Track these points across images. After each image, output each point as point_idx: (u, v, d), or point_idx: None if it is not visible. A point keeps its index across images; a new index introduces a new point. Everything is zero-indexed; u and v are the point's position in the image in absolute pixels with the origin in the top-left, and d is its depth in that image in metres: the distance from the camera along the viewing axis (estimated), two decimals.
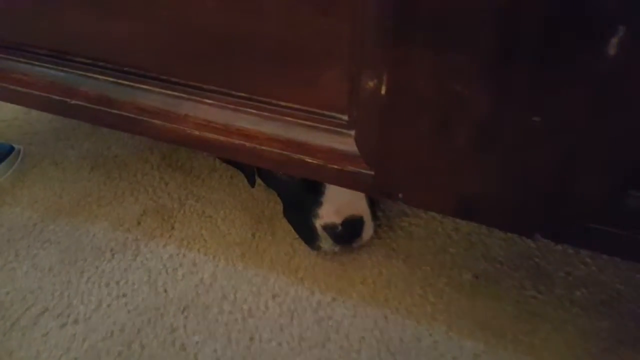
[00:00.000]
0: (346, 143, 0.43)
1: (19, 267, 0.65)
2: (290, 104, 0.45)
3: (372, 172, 0.43)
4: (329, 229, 0.62)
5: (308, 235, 0.64)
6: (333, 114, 0.44)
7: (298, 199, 0.65)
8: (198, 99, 0.48)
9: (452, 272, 0.64)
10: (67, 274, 0.65)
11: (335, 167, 0.44)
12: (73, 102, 0.53)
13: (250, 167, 0.70)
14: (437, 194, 0.41)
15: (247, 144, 0.46)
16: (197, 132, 0.48)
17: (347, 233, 0.62)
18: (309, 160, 0.45)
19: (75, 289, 0.63)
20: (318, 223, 0.62)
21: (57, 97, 0.54)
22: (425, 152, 0.39)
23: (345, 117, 0.43)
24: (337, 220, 0.61)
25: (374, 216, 0.65)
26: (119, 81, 0.50)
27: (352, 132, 0.43)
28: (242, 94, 0.46)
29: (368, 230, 0.64)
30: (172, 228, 0.70)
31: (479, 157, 0.38)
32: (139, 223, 0.71)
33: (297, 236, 0.68)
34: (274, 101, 0.45)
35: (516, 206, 0.39)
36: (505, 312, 0.59)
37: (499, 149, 0.37)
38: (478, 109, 0.35)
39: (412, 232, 0.69)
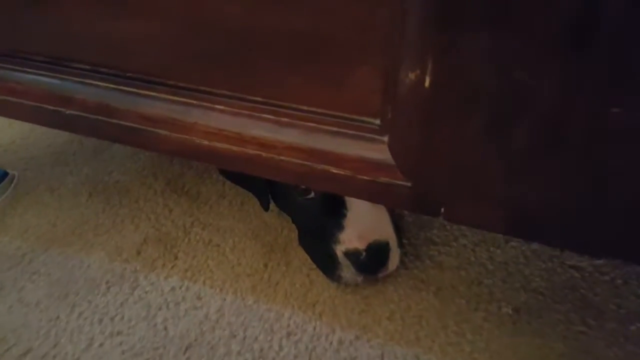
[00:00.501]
0: (378, 151, 0.38)
1: (2, 301, 0.58)
2: (313, 109, 0.39)
3: (409, 184, 0.37)
4: (352, 256, 0.55)
5: (327, 265, 0.58)
6: (363, 118, 0.38)
7: (316, 223, 0.58)
8: (208, 105, 0.42)
9: (489, 306, 0.56)
10: (56, 309, 0.58)
11: (366, 178, 0.38)
12: (69, 112, 0.48)
13: (263, 187, 0.64)
14: (486, 207, 0.35)
15: (264, 154, 0.40)
16: (206, 142, 0.42)
17: (372, 261, 0.55)
18: (334, 171, 0.39)
19: (64, 326, 0.56)
20: (339, 249, 0.56)
21: (52, 107, 0.49)
22: (476, 156, 0.33)
23: (377, 122, 0.38)
24: (360, 245, 0.55)
25: (400, 243, 0.59)
26: (121, 88, 0.45)
27: (385, 138, 0.37)
28: (258, 99, 0.41)
29: (394, 259, 0.57)
30: (176, 258, 0.64)
31: (543, 159, 0.32)
32: (138, 253, 0.65)
33: (314, 266, 0.61)
34: (294, 105, 0.40)
35: (588, 220, 0.32)
36: (552, 350, 0.52)
37: (569, 150, 0.31)
38: (544, 100, 0.30)
39: (442, 261, 0.62)
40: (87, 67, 0.47)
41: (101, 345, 0.54)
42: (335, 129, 0.39)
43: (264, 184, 0.63)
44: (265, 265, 0.62)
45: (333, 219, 0.56)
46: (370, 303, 0.57)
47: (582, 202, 0.32)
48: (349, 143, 0.39)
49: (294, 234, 0.66)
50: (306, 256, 0.62)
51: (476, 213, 0.35)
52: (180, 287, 0.60)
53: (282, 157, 0.40)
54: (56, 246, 0.66)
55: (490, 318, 0.55)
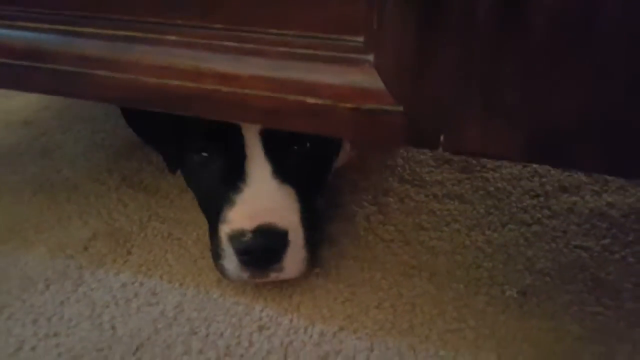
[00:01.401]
0: (362, 72, 0.31)
1: None
2: (283, 31, 0.33)
3: (401, 108, 0.30)
4: (235, 238, 0.45)
5: (215, 254, 0.47)
6: (343, 37, 0.32)
7: (208, 193, 0.50)
8: (156, 36, 0.36)
9: (491, 290, 0.49)
10: None
11: (349, 106, 0.31)
12: None
13: (174, 144, 0.53)
14: (500, 125, 0.28)
15: (225, 89, 0.34)
16: (154, 80, 0.35)
17: (258, 248, 0.44)
18: (311, 101, 0.32)
19: None
20: (223, 230, 0.45)
21: None
22: (484, 61, 0.27)
23: (360, 39, 0.31)
24: (247, 226, 0.44)
25: (310, 244, 0.48)
26: (55, 27, 0.38)
27: (370, 57, 0.31)
28: (218, 25, 0.34)
29: (295, 257, 0.46)
30: (129, 253, 0.55)
31: (567, 56, 0.26)
32: (85, 249, 0.56)
33: None
34: (260, 29, 0.34)
35: (628, 136, 0.26)
36: (568, 333, 0.45)
37: (603, 44, 0.25)
38: None
39: (435, 246, 0.55)
40: (18, 9, 0.40)
41: (33, 348, 0.44)
42: (310, 51, 0.33)
43: (174, 141, 0.53)
44: None
45: (227, 194, 0.47)
46: (355, 292, 0.49)
47: (622, 112, 0.26)
48: (326, 68, 0.32)
49: None
50: None
51: (486, 137, 0.29)
52: (133, 283, 0.51)
53: (247, 91, 0.33)
54: None
55: (494, 302, 0.48)
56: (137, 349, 0.44)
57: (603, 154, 0.27)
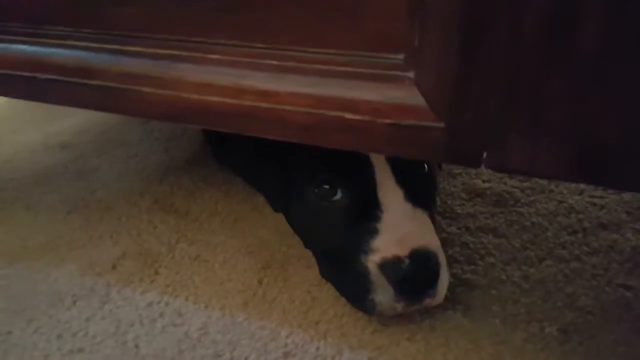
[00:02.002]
0: (402, 89, 0.31)
1: None
2: (323, 50, 0.33)
3: (442, 124, 0.30)
4: (390, 267, 0.42)
5: (357, 289, 0.44)
6: (383, 55, 0.32)
7: (341, 233, 0.47)
8: (200, 55, 0.36)
9: (530, 327, 0.47)
10: (9, 324, 0.48)
11: (387, 121, 0.31)
12: (44, 76, 0.42)
13: (275, 180, 0.53)
14: (543, 144, 0.27)
15: (264, 105, 0.34)
16: (196, 96, 0.36)
17: (418, 274, 0.42)
18: (349, 116, 0.32)
19: (16, 341, 0.46)
20: (372, 261, 0.43)
21: (27, 74, 0.43)
22: (531, 77, 0.27)
23: (400, 56, 0.31)
24: (402, 252, 0.42)
25: (447, 266, 0.46)
26: (102, 46, 0.39)
27: (411, 74, 0.31)
28: (259, 45, 0.35)
29: (444, 281, 0.44)
30: (156, 273, 0.55)
31: (617, 71, 0.25)
32: (114, 267, 0.56)
33: (316, 282, 0.52)
34: (300, 48, 0.34)
35: None
36: None
37: None
38: None
39: (469, 279, 0.53)
40: (69, 30, 0.42)
41: None
42: (349, 69, 0.33)
43: (276, 178, 0.54)
44: (260, 282, 0.53)
45: (364, 224, 0.44)
46: (385, 323, 0.48)
47: None
48: (365, 85, 0.32)
49: (294, 250, 0.57)
50: (307, 272, 0.53)
51: (531, 154, 0.28)
52: (159, 303, 0.51)
53: (286, 107, 0.33)
54: (23, 259, 0.57)
55: (533, 339, 0.45)
56: None
57: None
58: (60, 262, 0.57)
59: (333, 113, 0.32)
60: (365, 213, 0.45)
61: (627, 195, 0.67)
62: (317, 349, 0.45)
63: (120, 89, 0.38)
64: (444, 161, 0.31)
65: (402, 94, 0.31)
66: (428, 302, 0.44)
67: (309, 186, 0.49)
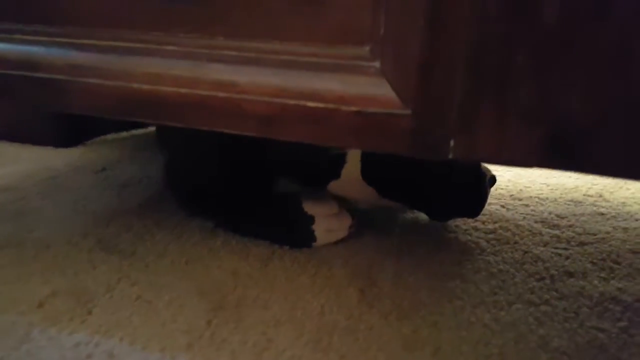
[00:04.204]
0: (368, 78, 0.29)
1: None
2: (286, 43, 0.32)
3: (409, 111, 0.28)
4: None
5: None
6: (349, 47, 0.31)
7: None
8: (154, 47, 0.34)
9: None
10: None
11: (353, 109, 0.29)
12: None
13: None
14: (511, 128, 0.26)
15: (221, 94, 0.31)
16: (147, 87, 0.33)
17: None
18: (312, 105, 0.30)
19: None
20: None
21: None
22: (495, 56, 0.26)
23: (367, 48, 0.30)
24: None
25: None
26: (52, 39, 0.37)
27: (377, 64, 0.30)
28: (219, 38, 0.33)
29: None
30: (89, 313, 0.49)
31: (582, 47, 0.24)
32: (40, 306, 0.49)
33: (274, 324, 0.47)
34: (261, 41, 0.32)
35: None
36: None
37: (624, 30, 0.24)
38: None
39: (436, 321, 0.49)
40: (18, 26, 0.39)
41: None
42: (313, 59, 0.31)
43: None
44: (209, 323, 0.48)
45: None
46: None
47: None
48: (331, 75, 0.31)
49: (251, 291, 0.53)
50: (264, 314, 0.49)
51: (499, 139, 0.26)
52: (88, 344, 0.44)
53: (244, 96, 0.31)
54: None
55: None
56: None
57: (625, 155, 0.25)
58: None
59: (295, 102, 0.30)
60: None
61: (590, 248, 0.66)
62: None
63: (65, 81, 0.35)
64: (411, 153, 0.29)
65: (368, 82, 0.29)
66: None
67: None
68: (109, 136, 1.11)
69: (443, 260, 0.60)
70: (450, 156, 0.28)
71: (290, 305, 0.50)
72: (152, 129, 1.04)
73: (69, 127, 1.03)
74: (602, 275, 0.59)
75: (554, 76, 0.25)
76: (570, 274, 0.59)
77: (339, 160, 0.63)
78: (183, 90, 0.32)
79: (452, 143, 0.27)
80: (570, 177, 0.93)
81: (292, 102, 0.30)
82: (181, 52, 0.34)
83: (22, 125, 1.02)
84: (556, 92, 0.25)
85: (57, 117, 1.02)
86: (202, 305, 0.50)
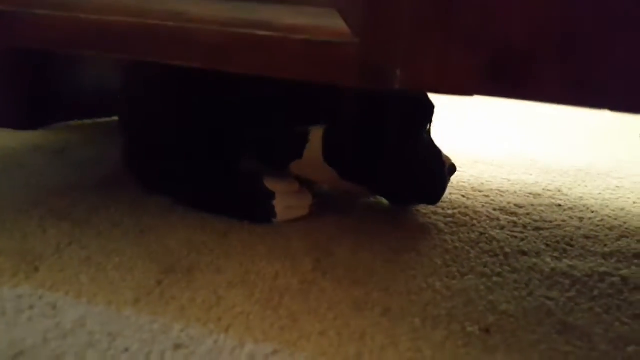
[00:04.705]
0: (317, 9, 0.30)
1: None
2: None
3: (357, 40, 0.28)
4: None
5: None
6: None
7: None
8: None
9: (451, 326, 0.43)
10: None
11: (302, 37, 0.29)
12: None
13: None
14: (454, 54, 0.27)
15: (169, 24, 0.31)
16: (95, 17, 0.33)
17: None
18: (261, 33, 0.30)
19: None
20: None
21: None
22: None
23: None
24: None
25: None
26: None
27: None
28: None
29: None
30: (36, 270, 0.47)
31: None
32: None
33: (225, 285, 0.47)
34: None
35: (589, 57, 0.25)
36: None
37: None
38: None
39: (388, 287, 0.49)
40: None
41: None
42: None
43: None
44: (159, 282, 0.47)
45: None
46: (296, 319, 0.42)
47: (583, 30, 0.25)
48: (281, 7, 0.31)
49: (205, 257, 0.52)
50: (216, 277, 0.48)
51: (443, 67, 0.27)
52: (31, 296, 0.43)
53: (193, 25, 0.31)
54: None
55: (454, 337, 0.42)
56: (14, 357, 0.35)
57: (565, 79, 0.26)
58: None
59: (244, 30, 0.30)
60: None
61: (545, 232, 0.68)
62: (215, 342, 0.39)
63: (14, 13, 0.34)
64: (358, 84, 0.30)
65: (318, 12, 0.30)
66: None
67: None
68: (72, 123, 1.09)
69: (400, 237, 0.61)
70: (397, 86, 0.28)
71: (244, 270, 0.50)
72: (115, 118, 1.03)
73: (29, 110, 1.01)
74: (555, 255, 0.60)
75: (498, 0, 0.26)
76: (524, 253, 0.60)
77: (302, 140, 0.63)
78: (130, 20, 0.32)
79: (398, 72, 0.28)
80: (531, 174, 0.96)
81: (241, 30, 0.30)
82: None
83: None
84: (497, 17, 0.26)
85: (18, 98, 0.99)
86: (153, 267, 0.49)
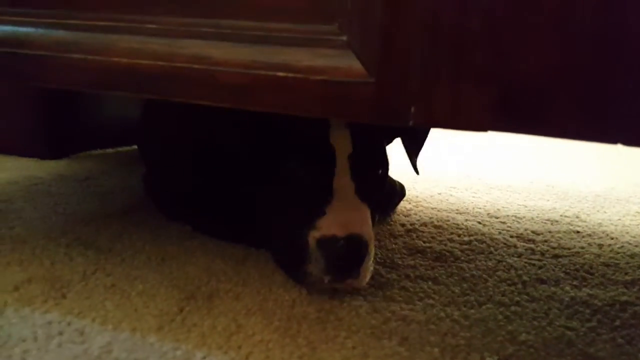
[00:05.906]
0: (335, 50, 0.32)
1: None
2: (261, 21, 0.34)
3: (372, 79, 0.30)
4: (327, 244, 0.49)
5: (293, 258, 0.51)
6: (318, 24, 0.33)
7: (295, 201, 0.53)
8: (135, 25, 0.36)
9: (470, 357, 0.43)
10: None
11: (320, 78, 0.31)
12: None
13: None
14: (466, 91, 0.28)
15: (196, 66, 0.33)
16: (125, 60, 0.35)
17: (348, 255, 0.49)
18: (282, 74, 0.32)
19: None
20: (313, 236, 0.50)
21: None
22: (449, 18, 0.28)
23: (335, 24, 0.33)
24: (340, 233, 0.49)
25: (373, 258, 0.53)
26: (39, 20, 0.39)
27: (344, 37, 0.32)
28: (197, 16, 0.36)
29: (368, 267, 0.51)
30: (63, 297, 0.49)
31: (531, 8, 0.27)
32: (16, 289, 0.50)
33: (245, 312, 0.48)
34: (235, 19, 0.35)
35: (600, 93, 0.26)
36: None
37: None
38: None
39: (407, 316, 0.50)
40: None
41: None
42: (285, 35, 0.33)
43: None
44: (181, 309, 0.48)
45: (316, 202, 0.51)
46: (315, 347, 0.43)
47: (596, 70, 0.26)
48: (300, 49, 0.33)
49: (224, 285, 0.53)
50: (235, 304, 0.49)
51: (456, 103, 0.28)
52: (60, 322, 0.44)
53: (219, 68, 0.33)
54: None
55: None
56: None
57: (578, 116, 0.27)
58: None
59: (266, 72, 0.32)
60: (319, 197, 0.52)
61: (564, 260, 0.67)
62: None
63: (49, 57, 0.37)
64: (374, 120, 0.31)
65: (335, 54, 0.31)
66: (351, 282, 0.50)
67: (280, 163, 0.55)
68: (95, 152, 1.12)
69: (416, 265, 0.61)
70: (411, 123, 0.29)
71: (262, 298, 0.51)
72: (136, 146, 1.06)
73: (55, 140, 1.05)
74: (575, 283, 0.60)
75: (506, 37, 0.27)
76: (543, 281, 0.60)
77: None
78: (159, 63, 0.34)
79: (412, 109, 0.29)
80: (548, 200, 0.95)
81: (263, 72, 0.32)
82: (160, 30, 0.36)
83: (8, 136, 1.03)
84: (508, 54, 0.27)
85: (45, 129, 1.03)
86: (174, 294, 0.51)
